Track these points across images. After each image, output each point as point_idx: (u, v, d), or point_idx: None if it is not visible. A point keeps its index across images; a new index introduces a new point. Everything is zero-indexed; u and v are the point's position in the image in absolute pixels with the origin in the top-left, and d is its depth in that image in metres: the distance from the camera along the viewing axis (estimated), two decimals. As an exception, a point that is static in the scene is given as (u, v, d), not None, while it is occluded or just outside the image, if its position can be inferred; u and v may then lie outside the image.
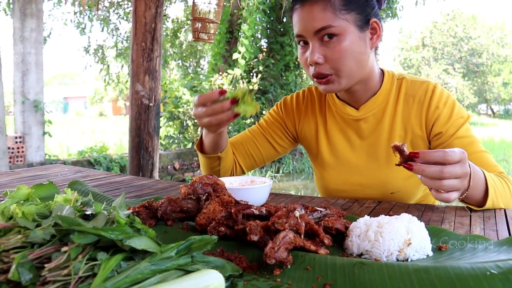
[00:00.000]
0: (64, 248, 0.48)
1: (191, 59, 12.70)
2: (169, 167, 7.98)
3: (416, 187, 1.19)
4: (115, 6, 10.19)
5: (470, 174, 0.87)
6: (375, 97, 1.18)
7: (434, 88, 1.14)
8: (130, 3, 9.86)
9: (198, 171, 8.29)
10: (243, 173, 1.35)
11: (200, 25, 3.44)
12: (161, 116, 8.54)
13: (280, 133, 1.35)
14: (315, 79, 1.10)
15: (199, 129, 8.40)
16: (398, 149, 0.82)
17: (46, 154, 7.19)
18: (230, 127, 8.43)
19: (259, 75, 9.51)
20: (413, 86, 1.17)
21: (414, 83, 1.17)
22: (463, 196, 0.91)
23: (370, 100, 1.18)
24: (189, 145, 8.76)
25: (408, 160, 0.82)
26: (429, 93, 1.14)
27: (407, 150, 0.81)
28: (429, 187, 0.85)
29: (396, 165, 0.84)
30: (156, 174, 3.57)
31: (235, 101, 1.01)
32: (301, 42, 1.11)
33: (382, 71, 1.22)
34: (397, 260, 0.64)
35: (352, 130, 1.22)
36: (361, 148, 1.21)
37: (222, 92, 1.01)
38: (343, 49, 1.05)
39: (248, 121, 9.43)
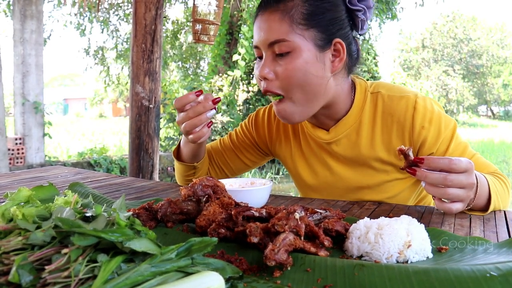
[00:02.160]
0: (65, 250, 0.48)
1: (191, 61, 12.71)
2: (169, 168, 7.97)
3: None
4: (115, 8, 10.20)
5: (477, 185, 0.86)
6: (345, 117, 1.08)
7: (415, 104, 1.03)
8: (130, 5, 9.87)
9: (198, 172, 8.28)
10: None
11: (200, 26, 3.44)
12: (161, 118, 8.54)
13: (250, 149, 1.29)
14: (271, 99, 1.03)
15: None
16: (403, 153, 0.80)
17: (46, 155, 7.20)
18: (229, 128, 8.44)
19: (259, 77, 9.49)
20: (390, 102, 1.05)
21: (391, 98, 1.06)
22: (469, 207, 0.90)
23: (341, 122, 1.08)
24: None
25: (412, 166, 0.81)
26: (409, 112, 1.03)
27: (412, 155, 0.80)
28: (433, 196, 0.84)
29: (401, 169, 0.83)
30: (156, 176, 3.57)
31: (217, 101, 0.99)
32: (256, 55, 1.04)
33: (354, 84, 1.11)
34: (397, 262, 0.64)
35: (326, 153, 1.14)
36: (340, 171, 1.14)
37: (199, 92, 0.98)
38: (295, 67, 0.95)
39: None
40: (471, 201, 0.88)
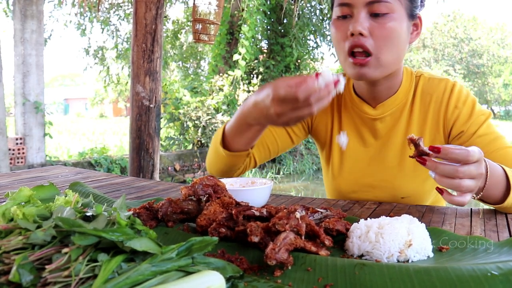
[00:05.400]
0: (65, 250, 0.48)
1: (191, 60, 12.72)
2: (169, 168, 7.98)
3: (427, 193, 1.16)
4: (116, 8, 10.20)
5: (487, 173, 0.82)
6: (394, 96, 1.12)
7: (453, 86, 1.10)
8: (130, 5, 9.88)
9: (199, 172, 8.29)
10: (255, 165, 1.26)
11: (200, 26, 3.45)
12: (161, 117, 8.53)
13: None
14: (349, 58, 1.01)
15: (199, 130, 8.39)
16: (413, 142, 0.77)
17: (46, 155, 7.20)
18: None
19: (260, 76, 9.51)
20: (430, 83, 1.13)
21: (432, 80, 1.13)
22: (479, 196, 0.86)
23: (389, 99, 1.13)
24: (190, 146, 8.76)
25: (422, 155, 0.77)
26: (447, 92, 1.10)
27: (423, 144, 0.77)
28: (440, 191, 0.80)
29: (410, 157, 0.79)
30: (156, 175, 3.58)
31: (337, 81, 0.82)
32: (338, 14, 1.02)
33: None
34: (398, 261, 0.64)
35: (367, 129, 1.17)
36: (374, 148, 1.17)
37: (318, 74, 0.81)
38: (392, 28, 0.99)
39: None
40: (479, 191, 0.84)
